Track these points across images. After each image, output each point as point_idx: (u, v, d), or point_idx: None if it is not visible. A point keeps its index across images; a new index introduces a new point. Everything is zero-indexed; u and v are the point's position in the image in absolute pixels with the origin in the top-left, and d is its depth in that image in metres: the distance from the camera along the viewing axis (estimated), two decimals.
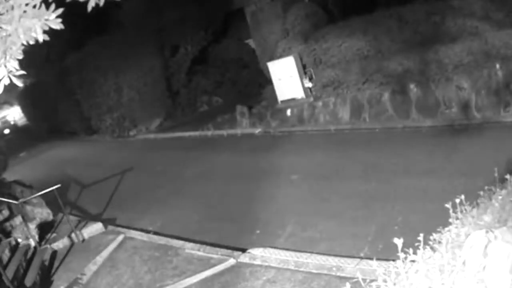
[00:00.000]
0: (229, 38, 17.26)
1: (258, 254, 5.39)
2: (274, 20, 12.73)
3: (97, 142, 17.68)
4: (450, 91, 8.50)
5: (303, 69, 11.40)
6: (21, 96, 23.69)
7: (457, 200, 3.01)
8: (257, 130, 11.96)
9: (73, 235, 7.24)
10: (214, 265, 5.42)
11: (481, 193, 3.32)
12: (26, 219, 7.17)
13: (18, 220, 7.30)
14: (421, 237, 2.59)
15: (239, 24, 16.12)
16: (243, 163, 9.57)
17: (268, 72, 12.17)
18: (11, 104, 23.98)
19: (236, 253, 5.57)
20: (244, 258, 5.41)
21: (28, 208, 7.66)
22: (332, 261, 4.79)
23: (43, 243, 7.22)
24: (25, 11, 1.74)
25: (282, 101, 11.91)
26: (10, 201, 7.33)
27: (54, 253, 6.99)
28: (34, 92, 20.84)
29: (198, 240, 6.30)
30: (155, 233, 7.06)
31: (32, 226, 7.33)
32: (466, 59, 8.32)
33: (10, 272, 5.98)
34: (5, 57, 1.81)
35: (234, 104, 13.32)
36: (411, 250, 2.55)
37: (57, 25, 1.77)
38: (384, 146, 8.33)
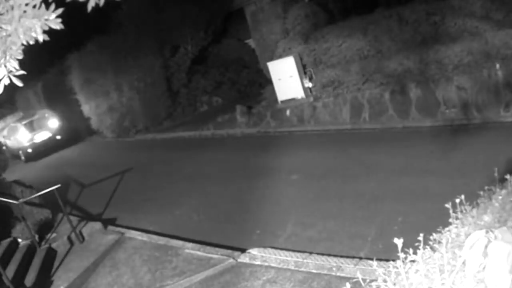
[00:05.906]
0: (229, 38, 17.24)
1: (258, 254, 5.38)
2: (274, 20, 12.74)
3: (97, 142, 17.68)
4: (450, 91, 8.49)
5: (303, 69, 11.40)
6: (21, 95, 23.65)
7: (457, 200, 3.00)
8: (257, 130, 11.95)
9: (73, 235, 7.24)
10: (214, 265, 5.42)
11: (481, 193, 3.32)
12: (26, 219, 7.17)
13: (18, 220, 7.31)
14: (421, 237, 2.58)
15: (239, 24, 16.11)
16: (243, 163, 9.57)
17: (268, 72, 12.18)
18: (12, 104, 24.01)
19: (236, 253, 5.56)
20: (244, 258, 5.40)
21: (28, 208, 7.66)
22: (332, 261, 4.78)
23: (43, 243, 7.22)
24: (25, 11, 1.74)
25: (282, 101, 11.90)
26: (10, 201, 7.33)
27: (54, 253, 6.99)
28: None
29: (198, 240, 6.30)
30: (155, 233, 7.06)
31: (32, 226, 7.33)
32: (466, 59, 8.31)
33: (10, 272, 5.98)
34: (5, 57, 1.80)
35: (234, 104, 13.31)
36: (411, 250, 2.55)
37: (57, 25, 1.77)
38: (384, 146, 8.33)
